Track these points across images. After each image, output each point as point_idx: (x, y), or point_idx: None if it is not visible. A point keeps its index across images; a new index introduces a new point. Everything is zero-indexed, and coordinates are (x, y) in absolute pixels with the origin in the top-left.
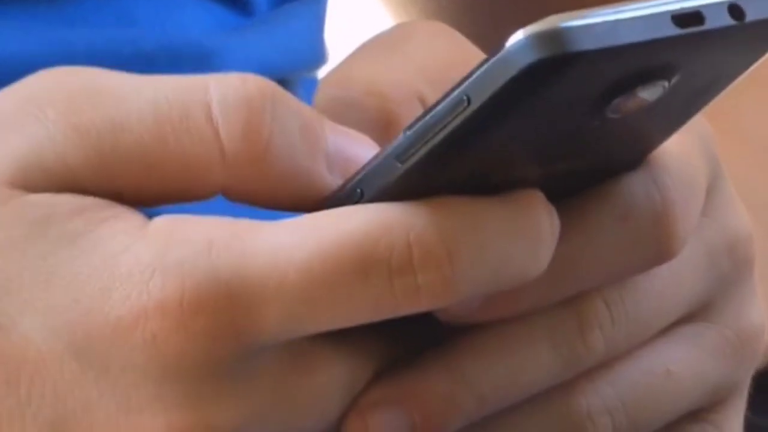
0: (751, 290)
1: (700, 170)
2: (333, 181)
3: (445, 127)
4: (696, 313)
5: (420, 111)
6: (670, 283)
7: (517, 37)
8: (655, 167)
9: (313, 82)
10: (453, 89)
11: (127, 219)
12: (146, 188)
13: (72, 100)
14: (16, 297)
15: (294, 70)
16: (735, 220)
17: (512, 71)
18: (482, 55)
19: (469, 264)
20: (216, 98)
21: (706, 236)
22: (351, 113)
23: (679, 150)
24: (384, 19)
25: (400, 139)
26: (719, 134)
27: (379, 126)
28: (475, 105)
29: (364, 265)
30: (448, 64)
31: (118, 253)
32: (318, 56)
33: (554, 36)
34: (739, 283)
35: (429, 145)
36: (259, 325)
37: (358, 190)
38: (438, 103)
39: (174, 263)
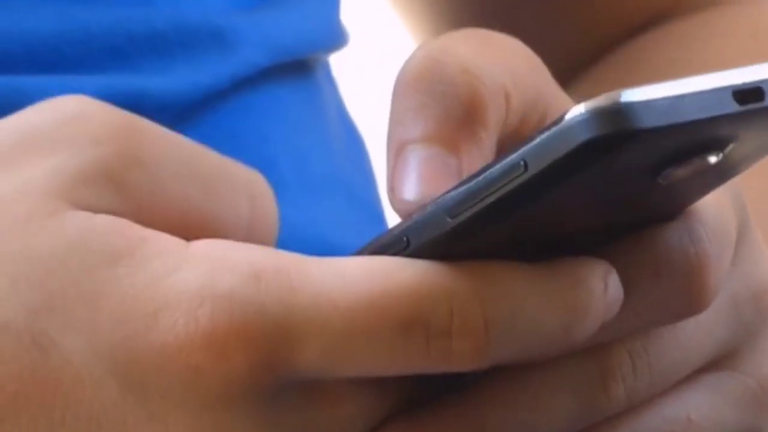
0: None
1: (731, 221)
2: None
3: (499, 189)
4: (719, 361)
5: (504, 106)
6: (694, 334)
7: (579, 110)
8: (691, 220)
9: (328, 65)
10: (509, 153)
11: (166, 240)
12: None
13: (124, 128)
14: (57, 316)
15: (309, 51)
16: (760, 268)
17: (571, 144)
18: (548, 75)
19: (503, 335)
20: None
21: (732, 285)
22: (441, 86)
23: (714, 202)
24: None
25: (452, 194)
26: None
27: (464, 105)
28: (532, 172)
29: (406, 323)
30: (527, 71)
31: (163, 275)
32: (335, 38)
33: (615, 113)
34: (763, 331)
35: (481, 205)
36: (298, 362)
37: (405, 239)
38: (494, 164)
39: (223, 293)
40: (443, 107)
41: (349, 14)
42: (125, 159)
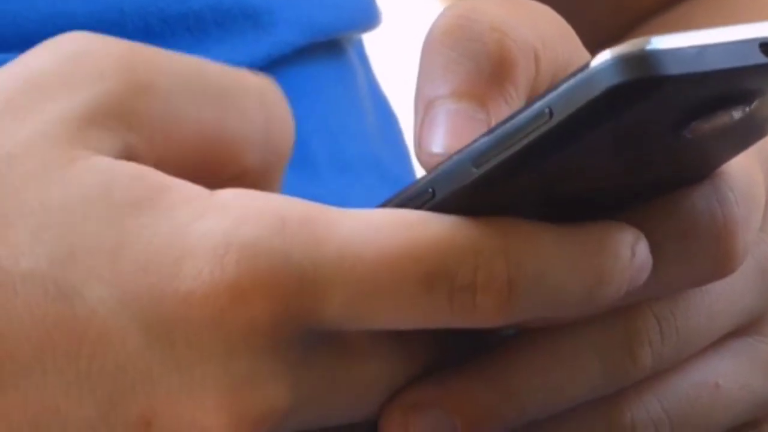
0: None
1: (760, 185)
2: None
3: (525, 137)
4: (747, 327)
5: (533, 66)
6: (722, 299)
7: (604, 56)
8: (719, 182)
9: (362, 43)
10: (535, 100)
11: (189, 188)
12: (193, 162)
13: (127, 58)
14: (81, 265)
15: (344, 29)
16: None
17: (596, 90)
18: (579, 43)
19: (527, 293)
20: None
21: (761, 250)
22: (471, 43)
23: (742, 165)
24: None
25: (477, 143)
26: None
27: (494, 61)
28: (557, 119)
29: (430, 276)
30: (557, 37)
31: (187, 223)
32: (368, 16)
33: (641, 59)
34: None
35: (506, 153)
36: (323, 312)
37: (430, 190)
38: (519, 112)
39: (248, 241)
40: (473, 63)
41: None
42: (133, 89)
